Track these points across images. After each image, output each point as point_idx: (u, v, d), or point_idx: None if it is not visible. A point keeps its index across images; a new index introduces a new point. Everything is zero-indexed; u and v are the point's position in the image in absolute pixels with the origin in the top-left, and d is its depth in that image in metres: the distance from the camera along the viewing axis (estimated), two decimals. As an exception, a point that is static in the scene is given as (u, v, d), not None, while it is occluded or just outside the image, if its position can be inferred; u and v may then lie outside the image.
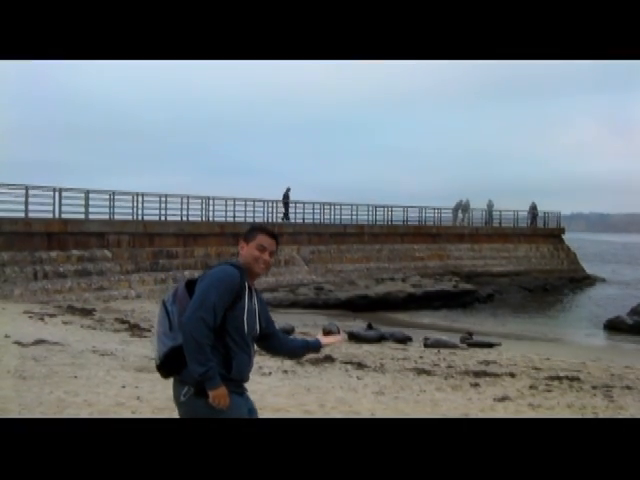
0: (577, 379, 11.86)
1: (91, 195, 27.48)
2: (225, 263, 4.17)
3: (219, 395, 3.84)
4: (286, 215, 37.46)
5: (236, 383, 4.02)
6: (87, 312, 19.87)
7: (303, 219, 37.20)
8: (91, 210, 27.53)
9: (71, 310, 20.06)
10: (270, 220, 34.60)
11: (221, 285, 3.92)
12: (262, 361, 12.19)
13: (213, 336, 3.88)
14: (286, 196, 37.53)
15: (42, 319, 16.92)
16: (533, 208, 47.54)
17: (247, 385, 4.20)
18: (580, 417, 8.81)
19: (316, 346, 4.56)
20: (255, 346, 4.26)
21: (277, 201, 35.98)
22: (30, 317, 17.14)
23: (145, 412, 7.93)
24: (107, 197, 28.34)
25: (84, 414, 7.67)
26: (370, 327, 20.03)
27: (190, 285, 4.07)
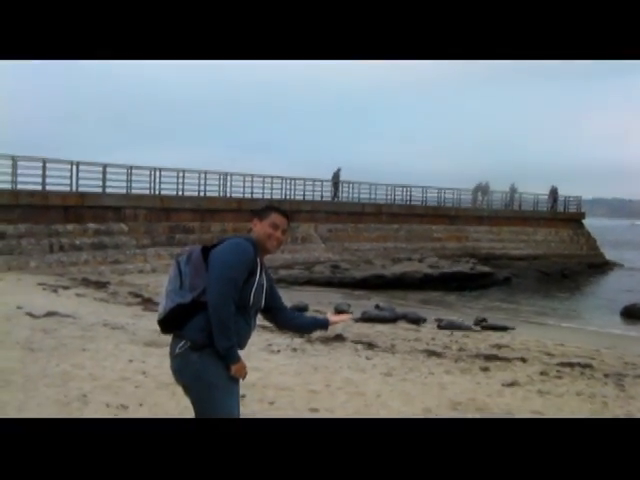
0: (589, 366, 11.73)
1: (108, 169, 27.47)
2: (240, 237, 4.29)
3: (240, 368, 4.08)
4: (336, 194, 38.01)
5: None
6: (101, 285, 19.97)
7: (322, 197, 37.09)
8: (108, 184, 27.53)
9: (85, 283, 20.16)
10: (288, 197, 34.57)
11: (240, 261, 4.07)
12: (272, 338, 12.18)
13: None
14: (336, 176, 38.09)
15: (55, 291, 17.00)
16: (553, 192, 47.17)
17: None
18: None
19: (324, 324, 4.71)
20: (257, 318, 4.42)
21: (295, 178, 35.87)
22: (44, 289, 17.22)
23: (149, 387, 7.93)
24: (124, 171, 28.33)
25: (87, 388, 7.68)
26: (377, 307, 20.04)
27: (205, 251, 4.21)
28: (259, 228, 4.31)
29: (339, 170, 38.15)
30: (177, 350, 4.10)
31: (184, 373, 4.11)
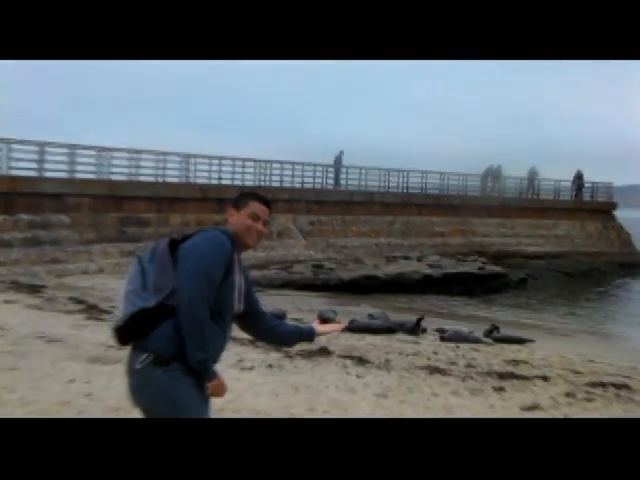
0: (626, 387, 11.68)
1: (48, 149, 27.20)
2: (215, 229, 4.24)
3: (217, 386, 4.05)
4: (337, 180, 38.33)
5: None
6: (35, 289, 19.81)
7: (302, 183, 37.01)
8: (47, 167, 27.31)
9: (16, 286, 20.00)
10: (262, 184, 34.45)
11: (218, 255, 4.05)
12: (243, 352, 12.08)
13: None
14: (338, 160, 38.27)
15: (-20, 297, 16.84)
16: (579, 178, 47.15)
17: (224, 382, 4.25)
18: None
19: (310, 334, 4.69)
20: (232, 326, 4.38)
21: (271, 161, 35.74)
22: (-35, 294, 17.06)
23: (95, 413, 7.79)
24: (66, 152, 28.02)
25: (18, 414, 7.53)
26: (370, 316, 19.93)
27: (172, 245, 4.14)
28: (236, 219, 4.30)
29: (341, 153, 38.11)
30: (137, 365, 3.99)
31: (145, 393, 4.00)
